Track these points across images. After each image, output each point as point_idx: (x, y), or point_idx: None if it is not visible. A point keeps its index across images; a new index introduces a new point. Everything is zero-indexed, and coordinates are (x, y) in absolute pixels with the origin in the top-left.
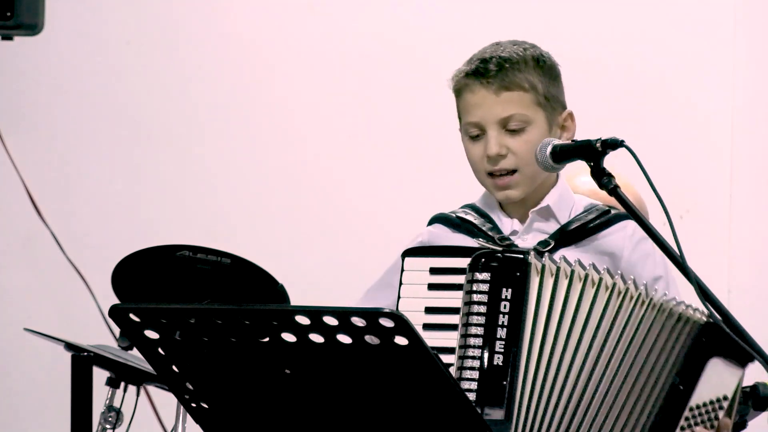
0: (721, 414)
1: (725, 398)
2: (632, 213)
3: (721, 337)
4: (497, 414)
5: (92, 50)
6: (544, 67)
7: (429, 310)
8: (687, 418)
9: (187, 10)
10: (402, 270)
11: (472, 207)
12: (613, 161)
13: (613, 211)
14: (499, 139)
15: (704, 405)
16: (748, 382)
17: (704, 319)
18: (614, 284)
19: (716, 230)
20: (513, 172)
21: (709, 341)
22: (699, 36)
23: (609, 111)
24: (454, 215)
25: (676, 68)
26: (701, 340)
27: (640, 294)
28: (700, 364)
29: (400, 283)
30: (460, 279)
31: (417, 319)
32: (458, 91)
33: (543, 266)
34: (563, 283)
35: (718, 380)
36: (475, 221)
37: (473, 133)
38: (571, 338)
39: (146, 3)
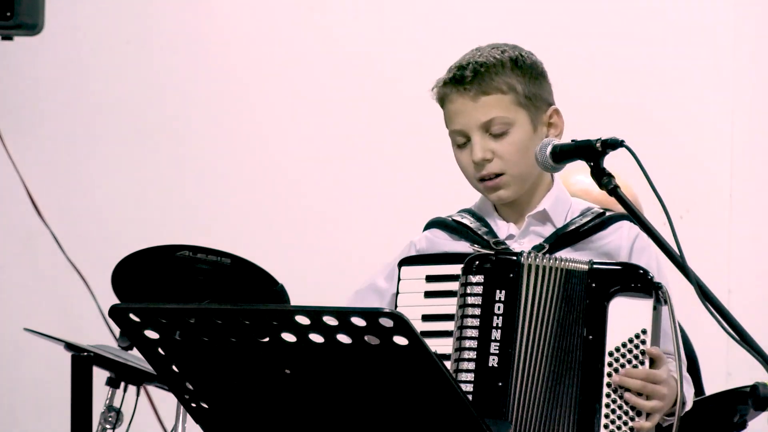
0: (645, 347)
1: (644, 332)
2: (632, 213)
3: (609, 275)
4: (494, 414)
5: (92, 50)
6: (523, 67)
7: (426, 318)
8: (610, 364)
9: (187, 10)
10: (399, 279)
11: (469, 211)
12: (613, 161)
13: (608, 213)
14: (483, 144)
15: (623, 345)
16: (749, 381)
17: (586, 266)
18: (545, 266)
19: (716, 230)
20: (501, 174)
21: (599, 284)
22: (699, 36)
23: (609, 111)
24: (451, 219)
25: (676, 68)
26: (591, 286)
27: (553, 267)
28: (600, 309)
29: (397, 292)
30: (456, 286)
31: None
32: (441, 101)
33: (530, 266)
34: (551, 280)
35: (629, 317)
36: (471, 225)
37: (459, 141)
38: (536, 330)
39: (146, 3)
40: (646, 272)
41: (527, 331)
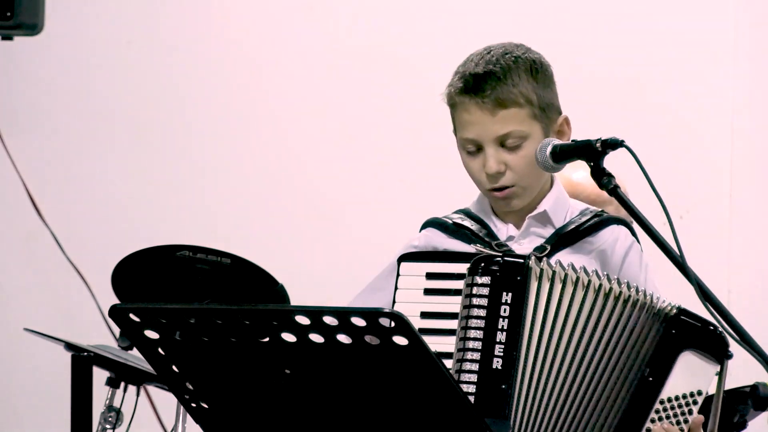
0: (695, 408)
1: (699, 393)
2: (632, 213)
3: (693, 330)
4: (496, 417)
5: (92, 50)
6: (537, 75)
7: (425, 315)
8: (658, 411)
9: (187, 10)
10: (398, 275)
11: (467, 212)
12: (613, 161)
13: (605, 214)
14: (498, 156)
15: (676, 399)
16: (749, 381)
17: (674, 311)
18: (600, 285)
19: (716, 230)
20: (512, 185)
21: (680, 333)
22: (699, 36)
23: (609, 111)
24: (449, 221)
25: (676, 68)
26: (671, 332)
27: (621, 292)
28: (670, 356)
29: (396, 288)
30: (456, 284)
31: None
32: (452, 106)
33: (542, 270)
34: (558, 287)
35: (692, 374)
36: (471, 227)
37: (470, 149)
38: (563, 340)
39: (146, 3)
40: (725, 339)
41: (545, 338)
